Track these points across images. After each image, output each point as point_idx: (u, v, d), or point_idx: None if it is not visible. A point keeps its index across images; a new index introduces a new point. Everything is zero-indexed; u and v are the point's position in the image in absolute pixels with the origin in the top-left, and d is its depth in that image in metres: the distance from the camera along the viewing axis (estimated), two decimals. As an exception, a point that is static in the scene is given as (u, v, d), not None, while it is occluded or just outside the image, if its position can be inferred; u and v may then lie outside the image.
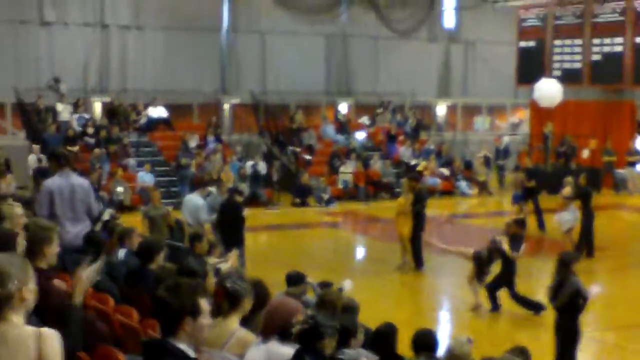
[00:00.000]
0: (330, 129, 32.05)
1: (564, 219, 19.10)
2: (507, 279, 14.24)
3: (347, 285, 10.13)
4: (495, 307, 14.26)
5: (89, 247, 9.12)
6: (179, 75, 31.90)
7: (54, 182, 10.42)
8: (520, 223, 14.75)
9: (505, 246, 14.17)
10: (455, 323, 14.54)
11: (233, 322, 6.51)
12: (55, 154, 11.47)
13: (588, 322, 14.03)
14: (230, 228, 15.14)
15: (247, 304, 6.59)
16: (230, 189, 17.80)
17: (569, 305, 10.27)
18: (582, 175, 20.37)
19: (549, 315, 11.04)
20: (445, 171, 30.69)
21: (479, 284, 14.44)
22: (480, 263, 14.39)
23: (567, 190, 19.13)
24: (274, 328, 6.17)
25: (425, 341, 7.48)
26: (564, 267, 10.41)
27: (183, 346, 4.37)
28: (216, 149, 28.44)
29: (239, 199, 16.08)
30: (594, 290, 10.29)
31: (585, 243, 18.84)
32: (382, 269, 17.68)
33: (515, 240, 14.34)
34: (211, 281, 8.04)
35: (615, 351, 12.71)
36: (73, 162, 12.65)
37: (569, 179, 19.71)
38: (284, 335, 6.11)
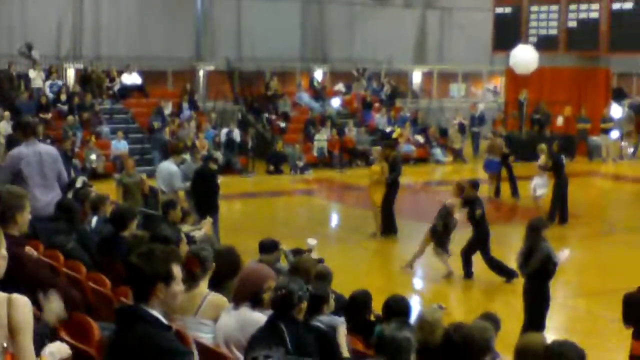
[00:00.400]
0: (305, 96, 31.96)
1: (537, 185, 19.19)
2: (479, 243, 14.30)
3: (312, 242, 10.12)
4: (468, 273, 14.34)
5: (61, 215, 9.07)
6: (153, 42, 31.60)
7: (20, 151, 10.27)
8: (475, 185, 14.68)
9: (456, 210, 14.26)
10: (427, 290, 14.63)
11: (203, 287, 6.64)
12: (21, 124, 11.36)
13: (560, 289, 14.21)
14: (204, 196, 15.11)
15: (212, 268, 6.77)
16: (205, 156, 17.75)
17: (539, 271, 10.36)
18: (555, 142, 20.43)
19: (521, 282, 11.11)
20: (420, 138, 30.71)
21: (445, 254, 14.52)
22: (438, 236, 14.49)
23: (542, 159, 19.20)
24: (245, 294, 6.19)
25: (397, 307, 7.52)
26: (534, 233, 10.48)
27: (156, 313, 4.35)
28: (191, 117, 28.29)
29: (213, 166, 16.04)
30: (563, 255, 10.38)
31: (559, 210, 18.94)
32: (356, 237, 17.73)
33: (474, 203, 14.35)
34: (184, 248, 8.02)
35: (586, 317, 12.83)
36: (40, 132, 12.48)
37: (543, 146, 19.76)
38: (255, 302, 6.14)
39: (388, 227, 17.36)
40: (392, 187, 17.35)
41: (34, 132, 10.56)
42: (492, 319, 7.08)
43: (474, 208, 14.26)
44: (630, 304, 8.66)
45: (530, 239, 10.48)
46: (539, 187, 19.16)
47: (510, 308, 11.43)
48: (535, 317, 10.48)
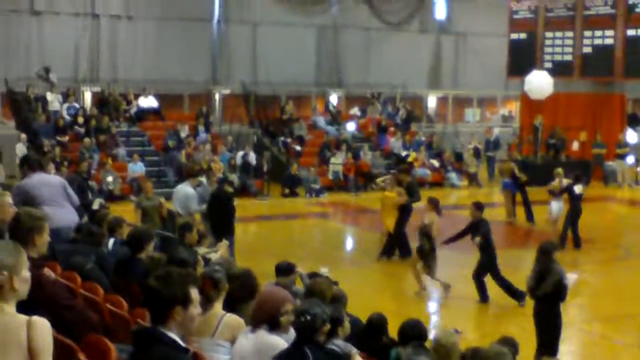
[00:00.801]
0: (320, 120, 32.08)
1: (553, 208, 19.20)
2: (487, 266, 14.29)
3: (324, 270, 10.20)
4: (484, 298, 14.32)
5: (82, 238, 9.14)
6: (169, 65, 31.85)
7: (25, 182, 10.61)
8: (479, 207, 14.65)
9: (434, 227, 14.42)
10: (442, 314, 14.61)
11: (218, 308, 6.66)
12: (27, 159, 11.63)
13: (575, 313, 14.20)
14: (220, 218, 15.17)
15: (225, 289, 6.81)
16: (220, 179, 17.83)
17: (551, 294, 10.35)
18: (572, 172, 20.30)
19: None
20: (436, 162, 30.73)
21: (432, 275, 14.68)
22: (425, 255, 14.60)
23: (555, 183, 19.23)
24: (263, 318, 6.19)
25: (413, 331, 7.52)
26: (545, 255, 10.49)
27: (173, 335, 4.37)
28: (206, 139, 28.44)
29: (229, 189, 16.11)
30: (572, 278, 10.37)
31: (572, 235, 18.91)
32: (370, 260, 17.72)
33: (478, 226, 14.36)
34: (200, 270, 8.06)
35: (601, 342, 12.79)
36: (46, 164, 12.74)
37: (559, 171, 19.78)
38: (273, 325, 6.15)
39: (404, 249, 17.36)
40: (405, 211, 17.37)
41: (40, 167, 10.82)
42: (510, 344, 7.09)
43: (477, 231, 14.27)
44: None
45: (541, 262, 10.47)
46: (555, 210, 19.16)
47: (526, 333, 11.38)
48: (548, 340, 10.46)
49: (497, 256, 14.42)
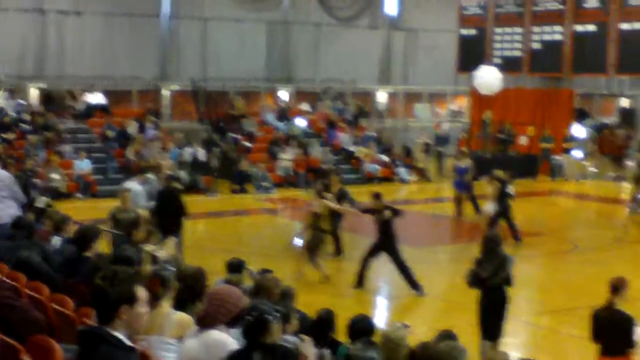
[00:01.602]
0: (270, 116, 31.99)
1: (489, 208, 19.33)
2: (385, 245, 14.61)
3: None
4: (416, 287, 14.53)
5: (18, 232, 9.00)
6: (117, 62, 31.53)
7: None
8: (378, 196, 15.00)
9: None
10: (391, 308, 14.64)
11: (165, 306, 6.62)
12: None
13: (524, 307, 14.31)
14: (168, 215, 15.04)
15: (174, 289, 6.79)
16: (169, 176, 17.68)
17: (507, 279, 10.55)
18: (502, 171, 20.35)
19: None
20: (385, 158, 30.81)
21: (313, 260, 15.28)
22: (313, 244, 15.22)
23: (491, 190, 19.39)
24: (222, 316, 6.10)
25: (361, 327, 7.50)
26: (497, 244, 10.72)
27: (119, 334, 4.34)
28: (155, 136, 28.21)
29: (177, 186, 15.99)
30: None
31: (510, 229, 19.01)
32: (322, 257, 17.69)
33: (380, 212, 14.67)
34: (147, 269, 7.98)
35: (549, 335, 12.91)
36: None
37: (496, 177, 19.81)
38: (233, 324, 6.06)
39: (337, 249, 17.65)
40: (338, 214, 17.41)
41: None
42: (450, 337, 7.09)
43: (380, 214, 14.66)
44: (597, 320, 8.77)
45: (490, 252, 10.64)
46: (491, 210, 19.26)
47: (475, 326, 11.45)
48: (495, 328, 10.61)
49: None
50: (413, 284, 14.54)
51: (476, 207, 22.14)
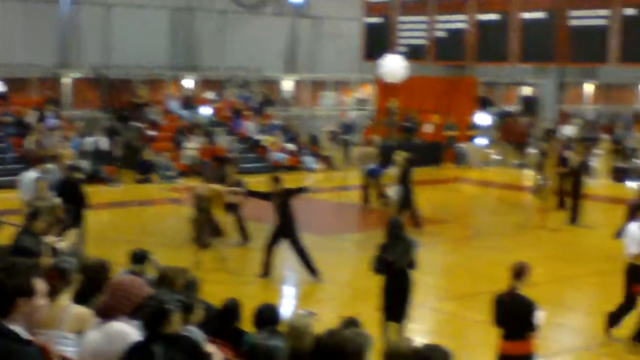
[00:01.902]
0: (174, 104, 31.56)
1: (394, 191, 19.46)
2: (284, 230, 14.61)
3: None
4: (314, 273, 14.60)
5: None
6: (16, 49, 30.71)
7: None
8: (277, 180, 15.02)
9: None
10: (298, 296, 14.55)
11: (64, 300, 6.43)
12: None
13: (428, 293, 14.40)
14: (69, 206, 14.63)
15: (75, 281, 6.58)
16: (69, 165, 17.23)
17: (409, 263, 10.77)
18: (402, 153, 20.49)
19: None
20: (291, 146, 30.73)
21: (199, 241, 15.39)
22: (198, 227, 15.38)
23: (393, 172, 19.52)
24: (122, 308, 5.92)
25: (266, 316, 7.41)
26: (399, 230, 10.94)
27: (17, 328, 4.21)
28: (55, 125, 27.51)
29: (78, 176, 15.62)
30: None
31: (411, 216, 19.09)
32: (226, 245, 17.51)
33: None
34: (47, 260, 7.70)
35: (454, 320, 13.00)
36: None
37: (399, 157, 20.02)
38: (136, 316, 5.89)
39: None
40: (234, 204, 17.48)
41: None
42: (353, 324, 7.04)
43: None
44: (499, 305, 8.84)
45: (399, 236, 10.85)
46: (395, 194, 19.39)
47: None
48: (400, 310, 10.81)
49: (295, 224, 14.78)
50: (311, 270, 14.60)
51: (383, 195, 22.22)
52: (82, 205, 15.14)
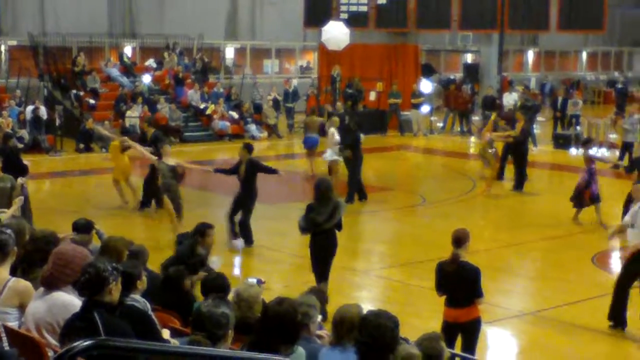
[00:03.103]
0: (114, 72, 30.99)
1: (328, 154, 19.39)
2: (244, 200, 14.65)
3: (216, 261, 9.96)
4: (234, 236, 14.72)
5: None
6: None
7: None
8: (248, 147, 14.98)
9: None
10: (246, 264, 14.42)
11: (3, 273, 6.29)
12: None
13: (375, 261, 14.41)
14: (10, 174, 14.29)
15: (13, 254, 6.44)
16: (5, 134, 16.84)
17: (337, 224, 11.09)
18: (351, 119, 20.38)
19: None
20: (235, 114, 30.44)
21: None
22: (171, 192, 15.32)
23: (330, 132, 19.40)
24: (65, 277, 5.80)
25: (215, 284, 7.35)
26: (328, 190, 11.12)
27: None
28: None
29: (13, 143, 15.28)
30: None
31: (357, 188, 18.96)
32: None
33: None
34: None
35: (401, 287, 13.00)
36: None
37: (335, 119, 19.94)
38: (65, 283, 5.78)
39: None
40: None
41: None
42: (317, 293, 7.04)
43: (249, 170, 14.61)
44: (443, 272, 8.86)
45: (327, 197, 11.05)
46: (330, 155, 19.33)
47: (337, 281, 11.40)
48: (324, 269, 11.20)
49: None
50: (249, 239, 14.68)
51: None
52: (21, 174, 14.78)
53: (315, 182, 11.55)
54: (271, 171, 14.96)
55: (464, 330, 8.78)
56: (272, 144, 29.27)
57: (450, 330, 8.69)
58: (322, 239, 11.08)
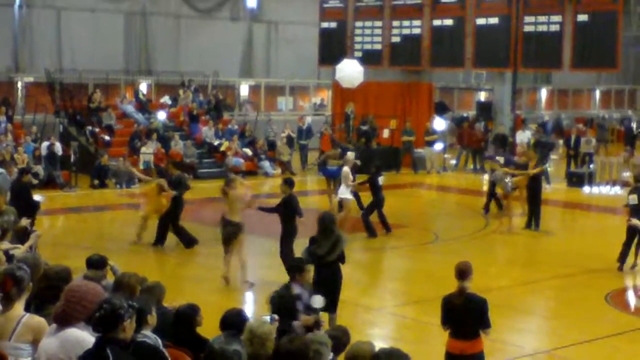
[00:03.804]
0: (130, 109, 31.21)
1: (341, 191, 19.46)
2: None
3: (318, 301, 9.23)
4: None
5: None
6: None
7: None
8: (288, 183, 15.06)
9: None
10: (259, 301, 14.38)
11: (18, 309, 6.29)
12: None
13: (388, 298, 14.35)
14: (20, 210, 14.36)
15: (29, 288, 6.45)
16: (20, 169, 16.97)
17: (339, 257, 11.20)
18: (373, 163, 20.41)
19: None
20: (249, 151, 30.56)
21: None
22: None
23: (345, 171, 19.47)
24: (78, 314, 5.79)
25: (231, 321, 7.29)
26: (331, 223, 11.27)
27: None
28: (6, 129, 27.05)
29: (30, 179, 15.39)
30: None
31: (382, 223, 19.19)
32: (187, 251, 17.36)
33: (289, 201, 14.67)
34: (1, 268, 7.52)
35: (414, 325, 12.95)
36: None
37: (350, 158, 20.00)
38: (77, 320, 5.78)
39: (184, 239, 17.65)
40: (176, 202, 17.69)
41: None
42: (344, 333, 7.14)
43: (287, 207, 14.70)
44: (449, 305, 8.90)
45: (329, 230, 11.16)
46: (342, 193, 19.40)
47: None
48: (334, 301, 11.13)
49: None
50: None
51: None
52: (31, 211, 14.84)
53: (319, 215, 11.63)
54: (299, 213, 14.83)
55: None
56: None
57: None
58: (327, 273, 11.15)
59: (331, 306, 11.10)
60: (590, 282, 15.52)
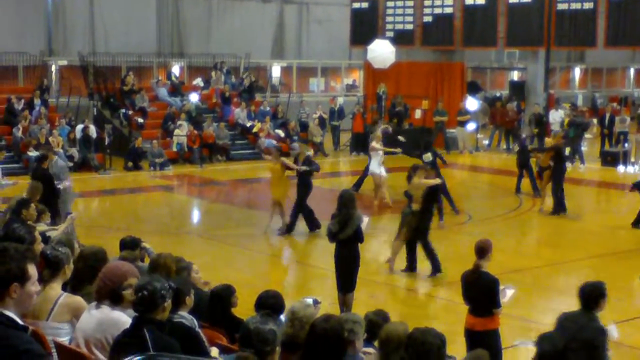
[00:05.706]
0: (163, 91, 31.34)
1: (374, 167, 19.44)
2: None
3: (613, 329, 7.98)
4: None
5: None
6: (2, 36, 30.44)
7: None
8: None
9: None
10: (303, 284, 14.46)
11: (55, 289, 6.37)
12: None
13: (423, 281, 14.35)
14: (45, 197, 14.47)
15: (68, 270, 6.55)
16: (38, 156, 17.00)
17: (353, 236, 11.14)
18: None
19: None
20: (281, 132, 30.60)
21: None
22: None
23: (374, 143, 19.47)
24: (105, 292, 5.92)
25: (268, 303, 7.29)
26: (351, 202, 11.22)
27: (10, 313, 4.11)
28: (42, 113, 27.29)
29: (46, 165, 15.53)
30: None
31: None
32: (220, 233, 17.47)
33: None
34: (38, 248, 7.64)
35: (448, 306, 12.97)
36: None
37: (377, 133, 19.99)
38: (116, 300, 5.87)
39: (311, 223, 17.14)
40: (304, 184, 17.16)
41: None
42: (383, 316, 7.21)
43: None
44: (465, 281, 9.13)
45: (345, 207, 11.15)
46: (375, 168, 19.36)
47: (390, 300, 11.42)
48: (348, 279, 11.35)
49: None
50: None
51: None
52: (56, 195, 14.95)
53: (340, 192, 11.73)
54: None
55: (478, 340, 8.73)
56: (318, 161, 29.28)
57: (466, 336, 9.01)
58: (344, 250, 11.30)
59: (347, 285, 11.39)
60: (625, 262, 15.45)
